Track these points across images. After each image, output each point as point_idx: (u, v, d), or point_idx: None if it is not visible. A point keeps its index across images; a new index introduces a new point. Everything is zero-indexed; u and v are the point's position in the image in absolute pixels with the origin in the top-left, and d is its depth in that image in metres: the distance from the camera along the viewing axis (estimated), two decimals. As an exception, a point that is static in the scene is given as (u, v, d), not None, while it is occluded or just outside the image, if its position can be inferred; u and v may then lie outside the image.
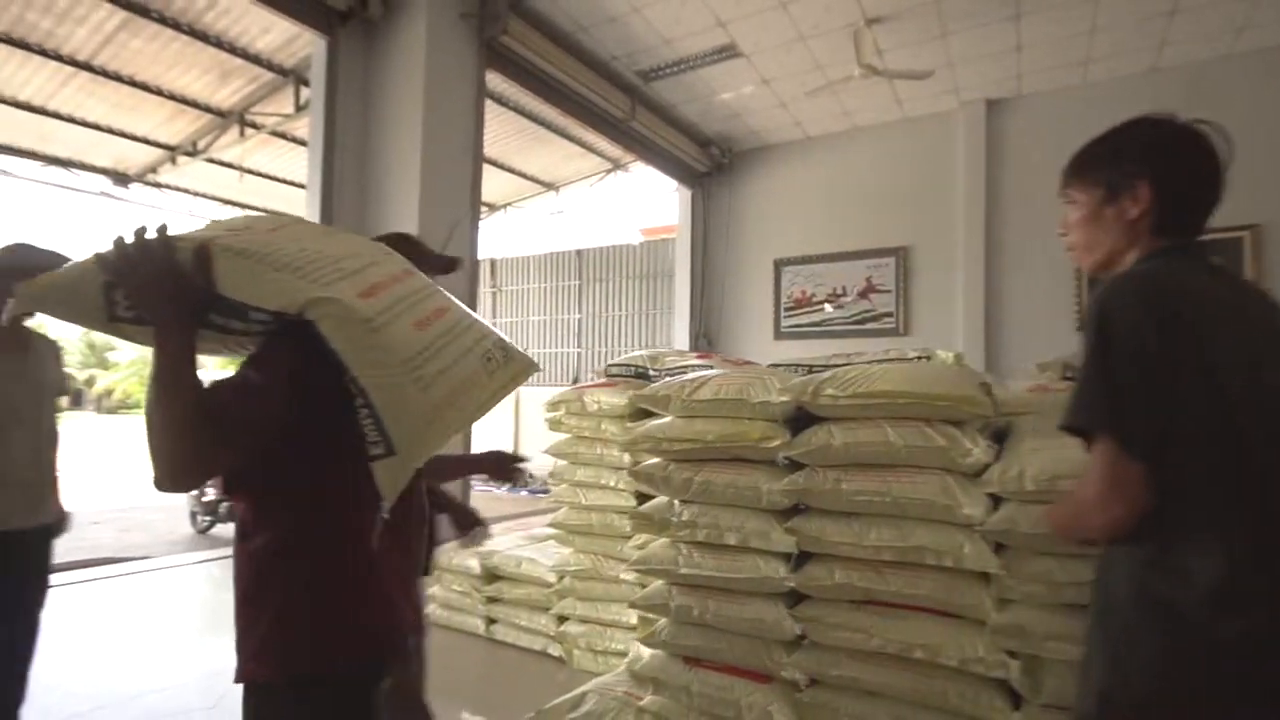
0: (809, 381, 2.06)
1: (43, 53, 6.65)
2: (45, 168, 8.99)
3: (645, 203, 11.19)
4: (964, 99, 7.69)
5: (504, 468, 1.84)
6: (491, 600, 3.39)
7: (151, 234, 0.96)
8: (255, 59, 7.04)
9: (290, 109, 7.50)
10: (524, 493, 10.10)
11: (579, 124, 7.96)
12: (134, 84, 7.30)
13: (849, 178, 8.56)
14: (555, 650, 3.12)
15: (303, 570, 0.97)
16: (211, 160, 8.93)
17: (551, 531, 3.24)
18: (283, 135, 8.38)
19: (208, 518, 7.16)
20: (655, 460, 2.27)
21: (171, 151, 8.95)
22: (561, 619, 3.11)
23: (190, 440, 0.87)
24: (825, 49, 6.61)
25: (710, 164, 9.17)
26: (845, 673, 1.89)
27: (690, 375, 2.53)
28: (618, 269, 11.08)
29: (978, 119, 7.73)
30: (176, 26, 6.38)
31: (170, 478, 0.87)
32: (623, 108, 7.43)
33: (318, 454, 0.99)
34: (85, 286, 0.99)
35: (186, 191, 10.20)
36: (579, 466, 3.09)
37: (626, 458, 2.91)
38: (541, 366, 11.68)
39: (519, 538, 3.67)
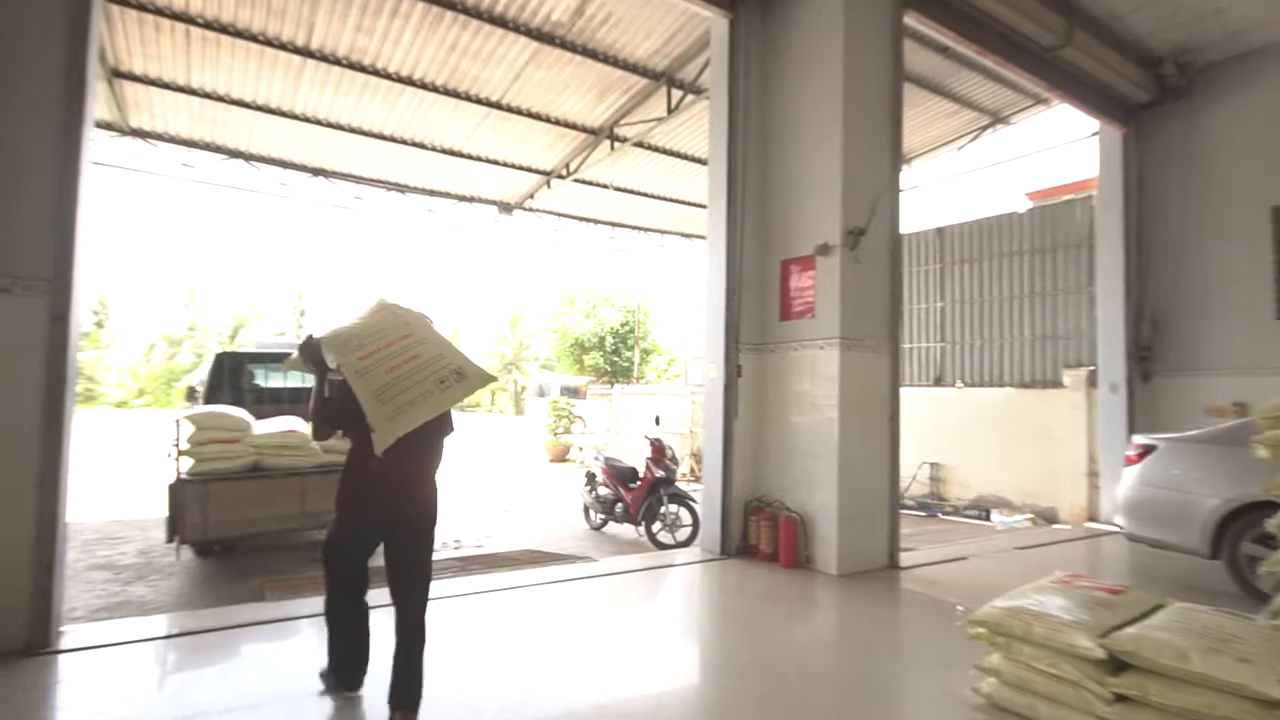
0: None
1: (467, 97, 7.57)
2: (457, 204, 10.61)
3: (1032, 161, 9.15)
4: None
5: None
6: (1121, 700, 2.36)
7: (305, 337, 2.69)
8: (633, 67, 7.14)
9: (663, 112, 7.50)
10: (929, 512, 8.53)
11: (973, 67, 6.58)
12: (530, 115, 8.00)
13: None
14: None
15: (346, 470, 2.65)
16: (579, 180, 9.57)
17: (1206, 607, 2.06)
18: (645, 145, 8.54)
19: (601, 515, 7.44)
20: None
21: (546, 176, 9.83)
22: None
23: (315, 422, 2.68)
24: None
25: (1156, 90, 6.94)
26: None
27: None
28: (993, 245, 9.16)
29: None
30: (574, 48, 6.68)
31: (314, 436, 2.74)
32: (1056, 29, 5.85)
33: (357, 426, 2.43)
34: (299, 359, 2.70)
35: (554, 213, 11.25)
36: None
37: None
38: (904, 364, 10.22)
39: (1099, 597, 2.55)
